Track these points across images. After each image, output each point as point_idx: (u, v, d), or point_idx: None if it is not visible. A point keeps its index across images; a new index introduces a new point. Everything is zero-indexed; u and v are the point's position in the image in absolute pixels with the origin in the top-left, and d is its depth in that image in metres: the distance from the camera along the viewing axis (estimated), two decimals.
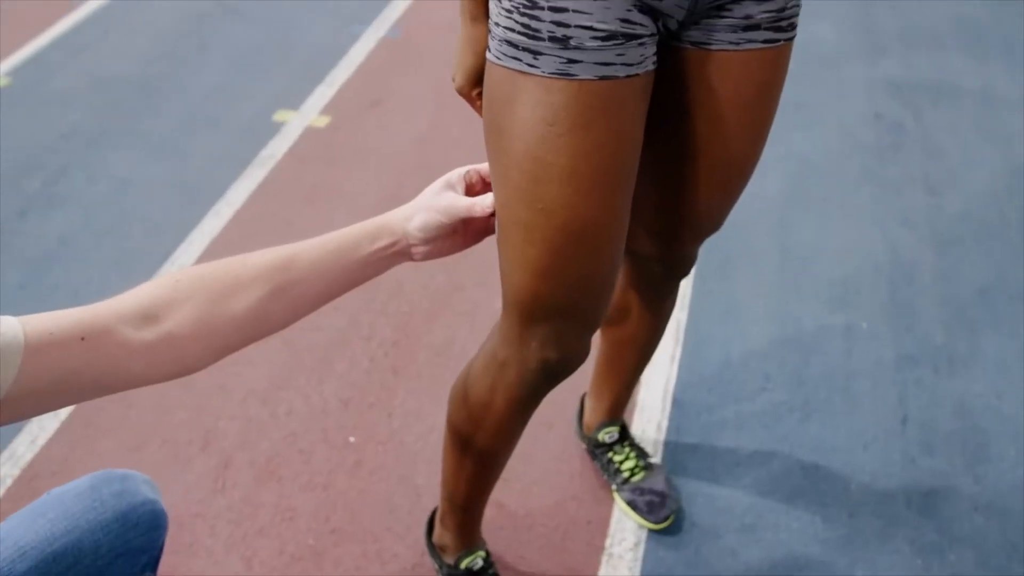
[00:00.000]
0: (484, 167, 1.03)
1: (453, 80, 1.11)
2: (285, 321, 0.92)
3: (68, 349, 0.74)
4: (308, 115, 2.55)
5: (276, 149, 2.41)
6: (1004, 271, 2.02)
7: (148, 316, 0.80)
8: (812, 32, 2.96)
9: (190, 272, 0.86)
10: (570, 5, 0.89)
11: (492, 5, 0.96)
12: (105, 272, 2.00)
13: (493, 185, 1.01)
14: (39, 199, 2.24)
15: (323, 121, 2.53)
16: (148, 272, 1.98)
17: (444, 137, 2.40)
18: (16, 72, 2.76)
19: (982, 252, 2.07)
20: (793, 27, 1.01)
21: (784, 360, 1.80)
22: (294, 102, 2.61)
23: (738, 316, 1.90)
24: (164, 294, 0.82)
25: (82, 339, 0.75)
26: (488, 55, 0.97)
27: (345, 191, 2.25)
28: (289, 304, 0.91)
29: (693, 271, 1.97)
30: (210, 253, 2.05)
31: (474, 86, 1.08)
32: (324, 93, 2.65)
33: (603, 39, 0.90)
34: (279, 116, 2.55)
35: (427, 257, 1.02)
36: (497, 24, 0.94)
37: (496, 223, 1.02)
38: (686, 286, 1.95)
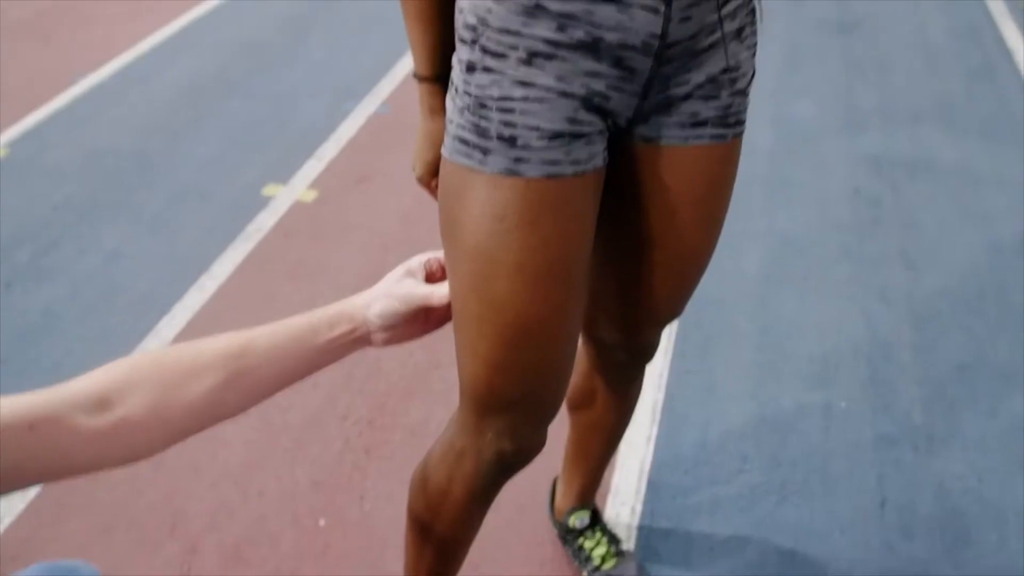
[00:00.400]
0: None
1: (413, 169, 1.14)
2: (241, 407, 0.92)
3: (16, 439, 0.74)
4: (296, 189, 2.59)
5: (263, 223, 2.44)
6: (982, 348, 2.02)
7: (102, 401, 0.80)
8: (795, 109, 3.02)
9: (146, 357, 0.86)
10: (517, 107, 0.91)
11: (448, 102, 0.99)
12: (86, 347, 2.01)
13: (448, 275, 1.02)
14: (27, 271, 2.26)
15: (311, 195, 2.56)
16: (128, 347, 1.99)
17: (429, 214, 2.40)
18: (13, 144, 2.82)
19: (960, 328, 2.07)
20: (740, 123, 1.03)
21: (762, 440, 1.78)
22: (283, 176, 2.65)
23: (716, 395, 1.89)
24: (119, 379, 0.83)
25: (31, 428, 0.75)
26: (443, 149, 0.99)
27: (329, 267, 2.27)
28: (245, 390, 0.91)
29: (671, 349, 1.98)
30: (192, 327, 2.07)
31: (433, 176, 1.10)
32: (313, 167, 2.69)
33: (550, 138, 0.92)
34: (268, 190, 2.59)
35: (387, 343, 1.02)
36: (451, 121, 0.97)
37: (452, 312, 1.02)
38: (663, 365, 1.95)
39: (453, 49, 0.98)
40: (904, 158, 2.75)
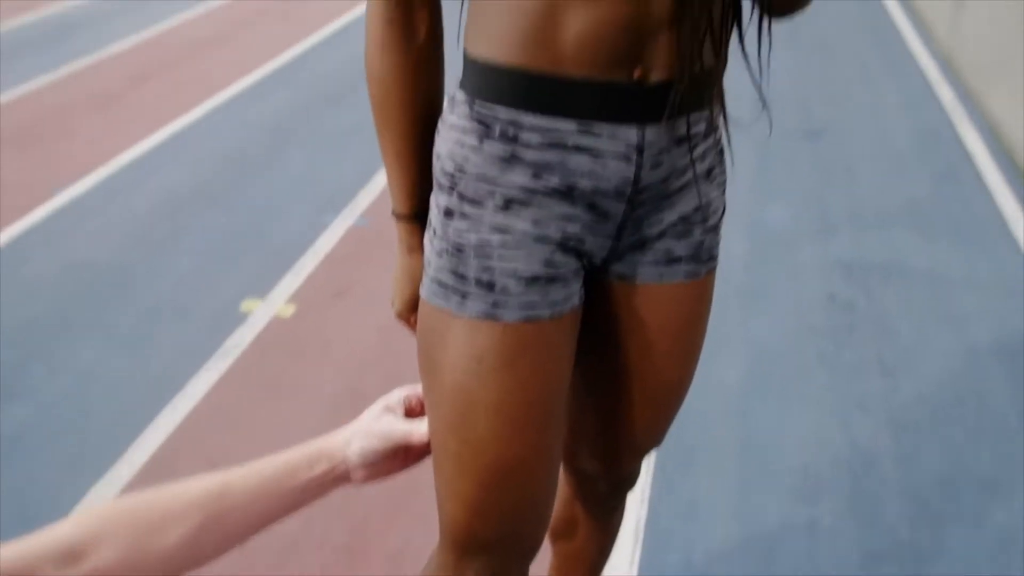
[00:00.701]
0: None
1: (392, 304, 1.14)
2: (219, 551, 0.90)
3: None
4: (274, 304, 2.59)
5: (241, 339, 2.42)
6: (963, 458, 2.02)
7: (72, 553, 0.78)
8: (767, 215, 3.09)
9: (118, 504, 0.85)
10: (495, 252, 0.93)
11: (426, 243, 1.00)
12: (54, 474, 1.96)
13: (427, 413, 1.02)
14: None
15: (289, 310, 2.56)
16: (97, 474, 1.93)
17: (406, 329, 2.43)
18: None
19: (939, 438, 2.07)
20: (713, 258, 1.05)
21: (748, 561, 1.75)
22: (262, 291, 2.65)
23: (699, 512, 1.86)
24: (90, 529, 0.80)
25: None
26: (421, 290, 1.00)
27: (307, 385, 2.25)
28: (223, 534, 0.90)
29: (653, 464, 1.96)
30: (164, 450, 2.02)
31: (412, 312, 1.11)
32: (292, 282, 2.70)
33: (528, 282, 0.93)
34: (246, 305, 2.58)
35: (367, 480, 1.01)
36: (429, 263, 0.98)
37: (432, 449, 1.01)
38: (645, 480, 1.92)
39: (431, 188, 1.00)
40: (876, 262, 2.81)
